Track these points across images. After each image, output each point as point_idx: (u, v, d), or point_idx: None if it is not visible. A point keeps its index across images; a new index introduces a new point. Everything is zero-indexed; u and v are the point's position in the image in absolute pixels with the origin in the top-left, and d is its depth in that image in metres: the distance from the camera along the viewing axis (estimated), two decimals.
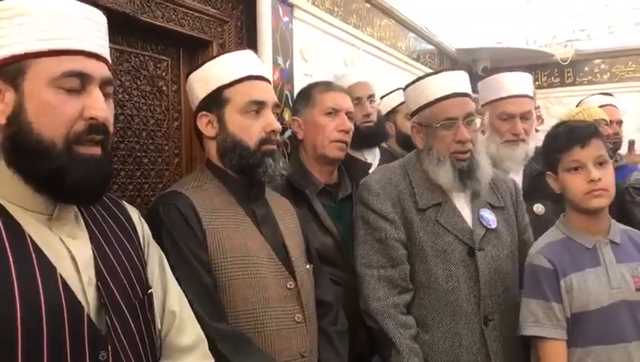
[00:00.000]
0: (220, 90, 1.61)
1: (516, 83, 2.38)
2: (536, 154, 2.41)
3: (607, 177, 1.70)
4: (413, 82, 1.99)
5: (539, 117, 3.84)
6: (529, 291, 1.75)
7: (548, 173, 1.82)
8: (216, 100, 1.61)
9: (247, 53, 1.70)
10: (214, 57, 1.70)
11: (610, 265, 1.71)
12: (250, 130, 1.59)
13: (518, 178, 2.29)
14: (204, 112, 1.64)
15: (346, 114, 2.12)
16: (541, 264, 1.73)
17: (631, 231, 1.83)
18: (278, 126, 1.62)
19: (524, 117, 2.33)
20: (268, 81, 1.68)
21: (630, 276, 1.69)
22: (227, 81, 1.61)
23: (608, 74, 5.90)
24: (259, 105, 1.60)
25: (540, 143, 3.14)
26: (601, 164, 1.70)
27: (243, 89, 1.60)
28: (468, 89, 1.93)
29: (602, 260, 1.72)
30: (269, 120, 1.60)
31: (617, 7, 5.77)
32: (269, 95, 1.64)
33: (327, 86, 2.19)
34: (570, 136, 1.74)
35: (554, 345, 1.69)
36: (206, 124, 1.63)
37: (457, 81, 1.91)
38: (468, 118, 1.87)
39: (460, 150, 1.86)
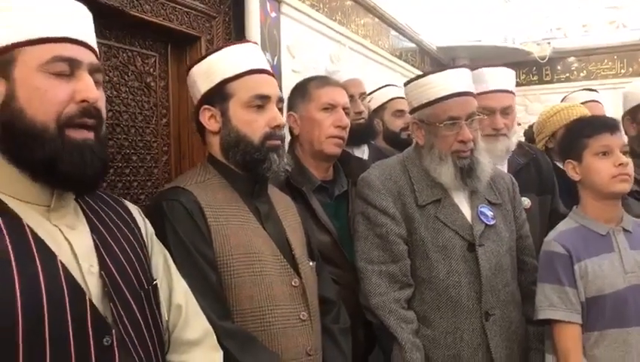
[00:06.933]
0: (224, 83, 1.56)
1: (496, 78, 2.37)
2: (520, 148, 2.42)
3: (630, 165, 1.78)
4: (416, 79, 1.96)
5: None
6: (544, 276, 1.80)
7: (568, 161, 1.87)
8: (219, 94, 1.57)
9: (251, 46, 1.66)
10: (216, 50, 1.65)
11: (624, 250, 1.76)
12: (254, 124, 1.55)
13: None
14: (206, 106, 1.59)
15: (343, 109, 2.08)
16: (555, 250, 1.78)
17: None
18: (282, 120, 1.58)
19: (505, 112, 2.33)
20: (272, 74, 1.64)
21: None
22: (231, 74, 1.56)
23: (585, 71, 6.02)
24: (263, 100, 1.56)
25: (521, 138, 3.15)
26: (624, 153, 1.79)
27: (247, 83, 1.56)
28: (471, 87, 1.91)
29: (616, 246, 1.77)
30: (274, 114, 1.56)
31: (591, 6, 5.88)
32: (274, 89, 1.60)
33: (323, 81, 2.15)
34: (599, 123, 1.84)
35: (569, 328, 1.73)
36: (209, 118, 1.59)
37: (460, 79, 1.88)
38: (470, 118, 1.86)
39: (462, 149, 1.85)
